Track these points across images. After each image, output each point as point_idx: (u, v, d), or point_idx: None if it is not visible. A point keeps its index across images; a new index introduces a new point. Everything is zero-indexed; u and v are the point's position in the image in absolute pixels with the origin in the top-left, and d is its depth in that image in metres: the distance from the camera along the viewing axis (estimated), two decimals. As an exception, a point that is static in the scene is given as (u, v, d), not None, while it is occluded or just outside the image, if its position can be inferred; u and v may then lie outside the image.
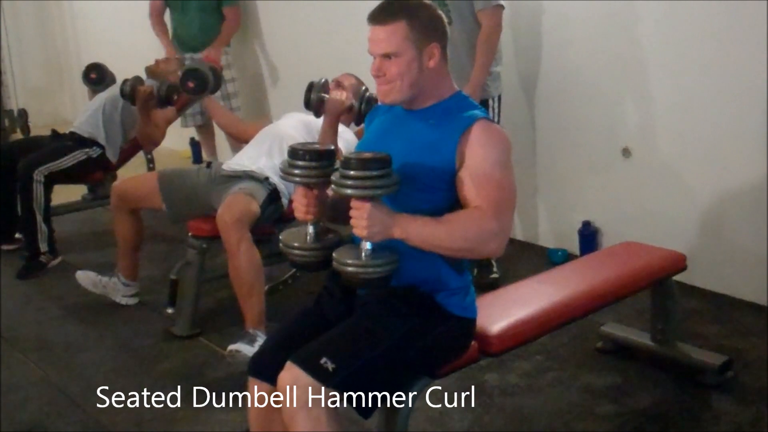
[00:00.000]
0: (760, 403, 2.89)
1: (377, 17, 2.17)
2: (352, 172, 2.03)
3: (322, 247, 2.22)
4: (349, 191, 2.04)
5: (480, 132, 2.14)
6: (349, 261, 2.08)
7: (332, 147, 2.25)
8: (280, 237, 2.28)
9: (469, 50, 3.84)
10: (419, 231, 2.07)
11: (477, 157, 2.12)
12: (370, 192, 2.03)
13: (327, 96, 3.43)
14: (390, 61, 2.15)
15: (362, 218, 2.03)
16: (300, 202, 2.22)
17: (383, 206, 2.06)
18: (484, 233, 2.08)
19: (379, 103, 2.32)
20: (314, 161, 2.17)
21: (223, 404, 3.06)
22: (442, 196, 2.17)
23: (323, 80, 3.50)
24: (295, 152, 2.19)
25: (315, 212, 2.22)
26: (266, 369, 2.17)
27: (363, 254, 2.07)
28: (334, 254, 2.12)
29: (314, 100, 3.45)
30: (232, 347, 3.24)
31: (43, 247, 4.54)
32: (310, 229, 2.23)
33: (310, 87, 3.47)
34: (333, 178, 2.08)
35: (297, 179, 2.19)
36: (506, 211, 2.13)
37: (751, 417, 2.82)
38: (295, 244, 2.23)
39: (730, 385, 3.01)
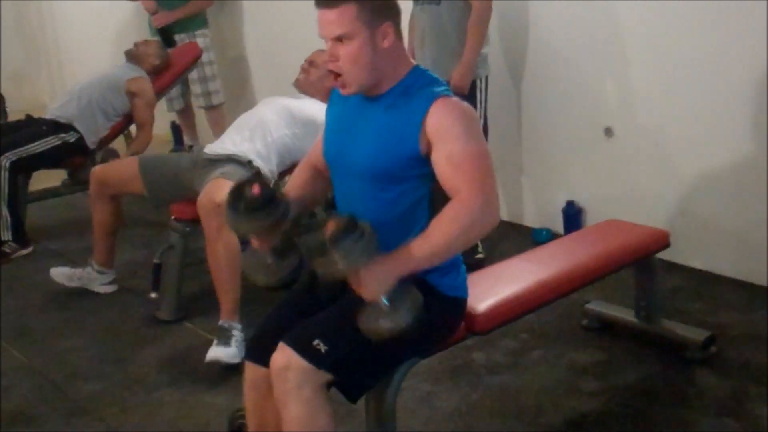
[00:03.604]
0: (743, 377, 2.92)
1: (325, 0, 2.08)
2: (334, 254, 1.92)
3: (284, 274, 2.21)
4: (338, 271, 1.96)
5: (441, 111, 2.06)
6: (381, 322, 1.98)
7: (272, 193, 2.15)
8: (242, 264, 2.23)
9: (459, 32, 3.83)
10: (420, 255, 2.01)
11: (445, 137, 2.06)
12: (357, 263, 1.94)
13: None
14: (342, 44, 2.07)
15: (365, 285, 1.97)
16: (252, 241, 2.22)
17: (374, 262, 1.98)
18: (476, 213, 2.02)
19: (341, 94, 2.22)
20: (254, 213, 2.12)
21: (208, 387, 3.06)
22: (417, 183, 2.14)
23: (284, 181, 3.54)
24: (233, 203, 2.13)
25: (268, 243, 2.19)
26: (262, 353, 2.16)
27: (384, 309, 1.98)
28: (362, 324, 2.01)
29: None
30: (210, 358, 3.17)
31: (5, 235, 4.45)
32: (269, 258, 2.20)
33: (276, 186, 3.50)
34: (315, 262, 1.99)
35: (240, 232, 2.15)
36: (487, 179, 2.05)
37: (734, 391, 2.84)
38: (260, 276, 2.21)
39: (713, 360, 3.03)
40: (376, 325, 1.99)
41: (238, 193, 2.14)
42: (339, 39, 2.07)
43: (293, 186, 2.42)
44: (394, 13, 2.14)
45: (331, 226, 1.96)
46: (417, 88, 2.14)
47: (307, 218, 3.88)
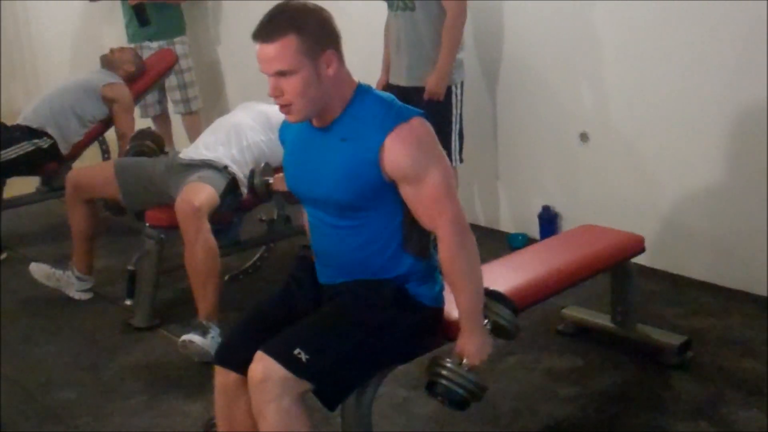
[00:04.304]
0: (719, 381, 2.93)
1: (263, 34, 2.01)
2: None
3: None
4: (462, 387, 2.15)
5: (396, 147, 2.04)
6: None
7: None
8: None
9: (434, 38, 3.84)
10: (473, 307, 2.17)
11: (405, 177, 2.06)
12: (476, 386, 2.16)
13: (271, 180, 3.43)
14: (286, 78, 2.02)
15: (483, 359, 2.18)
16: None
17: (460, 358, 2.16)
18: (463, 240, 2.12)
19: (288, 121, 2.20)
20: None
21: (183, 395, 3.04)
22: (389, 208, 2.14)
23: (263, 164, 3.51)
24: None
25: None
26: (233, 358, 2.15)
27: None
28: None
29: (258, 185, 3.46)
30: (184, 338, 3.21)
31: None
32: None
33: (252, 173, 3.48)
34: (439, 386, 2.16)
35: None
36: (452, 202, 2.11)
37: (711, 395, 2.86)
38: None
39: (689, 364, 3.05)
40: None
41: None
42: (281, 74, 2.02)
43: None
44: (334, 39, 2.08)
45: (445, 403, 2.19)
46: (366, 115, 2.10)
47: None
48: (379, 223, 2.16)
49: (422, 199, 2.09)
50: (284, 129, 2.34)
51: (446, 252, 2.11)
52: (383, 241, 2.17)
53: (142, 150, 4.16)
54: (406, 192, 2.10)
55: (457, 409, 2.20)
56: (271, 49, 2.01)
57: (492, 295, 2.27)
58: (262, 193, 3.50)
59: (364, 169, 2.07)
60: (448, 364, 2.15)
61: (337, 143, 2.11)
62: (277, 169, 3.43)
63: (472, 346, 2.15)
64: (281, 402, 1.98)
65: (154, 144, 4.23)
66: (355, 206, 2.14)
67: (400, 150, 2.05)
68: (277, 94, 2.05)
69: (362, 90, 2.16)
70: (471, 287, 2.14)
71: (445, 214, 2.09)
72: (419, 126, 2.09)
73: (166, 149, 5.36)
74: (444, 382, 2.14)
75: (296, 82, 2.02)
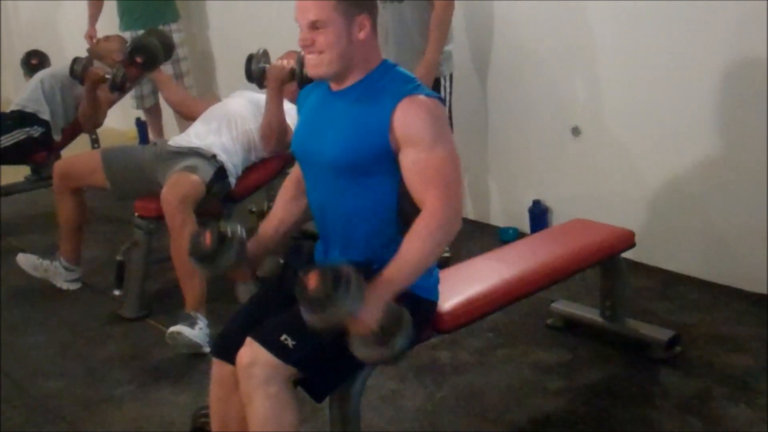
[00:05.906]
0: (707, 376, 2.94)
1: None
2: (330, 309, 1.90)
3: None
4: (339, 323, 1.93)
5: (407, 112, 2.07)
6: (378, 350, 1.97)
7: (223, 238, 2.18)
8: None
9: (422, 29, 3.83)
10: (401, 277, 2.03)
11: (412, 142, 2.07)
12: (355, 310, 1.92)
13: (268, 65, 3.40)
14: (318, 31, 2.09)
15: (361, 321, 1.94)
16: None
17: (359, 300, 1.93)
18: (446, 226, 2.06)
19: (309, 74, 2.23)
20: (205, 262, 2.20)
21: (172, 385, 3.03)
22: (387, 179, 2.14)
23: (262, 50, 3.48)
24: (191, 252, 2.21)
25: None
26: (229, 350, 2.14)
27: (378, 336, 1.96)
28: (358, 352, 1.97)
29: (255, 70, 3.43)
30: (172, 329, 3.20)
31: None
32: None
33: (250, 58, 3.45)
34: (312, 318, 1.92)
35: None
36: (453, 187, 2.08)
37: (698, 390, 2.86)
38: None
39: (677, 359, 3.05)
40: (372, 353, 1.98)
41: (195, 241, 2.19)
42: (314, 26, 2.08)
43: (276, 210, 2.41)
44: (371, 6, 2.17)
45: (313, 282, 1.90)
46: (385, 84, 2.15)
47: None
48: (375, 192, 2.15)
49: (423, 166, 2.06)
50: (303, 96, 2.38)
51: (423, 219, 2.04)
52: (378, 212, 2.17)
53: (146, 44, 3.94)
54: (408, 157, 2.08)
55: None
56: (310, 1, 2.08)
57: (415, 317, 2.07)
58: (258, 79, 3.48)
59: (371, 130, 2.10)
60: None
61: (350, 105, 2.16)
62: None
63: (372, 308, 1.96)
64: (268, 388, 1.99)
65: (160, 43, 4.01)
66: (353, 167, 2.13)
67: (412, 114, 2.08)
68: (307, 44, 2.11)
69: (387, 64, 2.22)
70: (415, 260, 2.04)
71: (440, 189, 2.05)
72: (435, 104, 2.13)
73: (155, 141, 5.34)
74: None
75: (327, 35, 2.08)
